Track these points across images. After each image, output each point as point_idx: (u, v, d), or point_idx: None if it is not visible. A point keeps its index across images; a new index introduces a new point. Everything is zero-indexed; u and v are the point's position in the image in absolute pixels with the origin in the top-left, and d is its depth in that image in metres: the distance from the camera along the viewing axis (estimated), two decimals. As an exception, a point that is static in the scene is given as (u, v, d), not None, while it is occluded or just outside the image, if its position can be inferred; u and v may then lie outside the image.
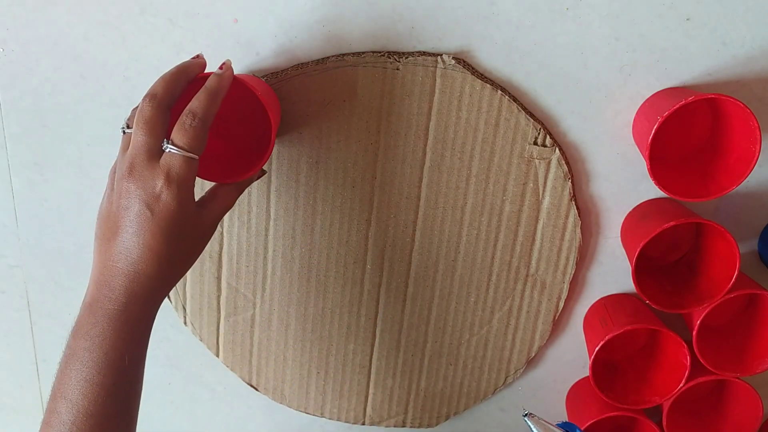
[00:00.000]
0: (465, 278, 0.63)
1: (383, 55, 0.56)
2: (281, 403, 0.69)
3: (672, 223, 0.54)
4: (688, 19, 0.55)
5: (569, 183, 0.60)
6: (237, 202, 0.60)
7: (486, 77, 0.57)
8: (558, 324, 0.66)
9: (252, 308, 0.65)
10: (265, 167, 0.58)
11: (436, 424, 0.70)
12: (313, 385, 0.68)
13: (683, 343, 0.59)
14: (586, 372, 0.60)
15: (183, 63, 0.50)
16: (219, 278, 0.64)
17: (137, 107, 0.47)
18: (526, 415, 0.50)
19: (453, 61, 0.56)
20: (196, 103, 0.47)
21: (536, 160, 0.59)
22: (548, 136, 0.58)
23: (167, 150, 0.46)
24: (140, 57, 0.57)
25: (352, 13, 0.55)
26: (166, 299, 0.65)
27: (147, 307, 0.47)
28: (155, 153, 0.46)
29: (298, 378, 0.68)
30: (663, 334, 0.61)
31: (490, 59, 0.56)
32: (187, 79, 0.49)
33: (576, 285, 0.65)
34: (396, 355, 0.66)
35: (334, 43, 0.56)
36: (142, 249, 0.46)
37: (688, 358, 0.59)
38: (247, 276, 0.64)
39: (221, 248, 0.63)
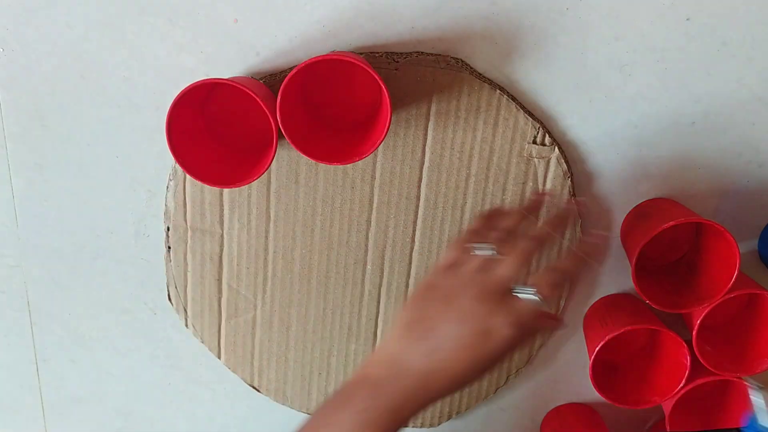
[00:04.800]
0: (465, 278, 0.63)
1: (383, 55, 0.56)
2: (283, 404, 0.69)
3: (672, 223, 0.54)
4: (688, 19, 0.55)
5: (569, 182, 0.60)
6: (236, 204, 0.60)
7: (484, 77, 0.57)
8: (558, 324, 0.66)
9: (253, 310, 0.65)
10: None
11: (438, 424, 0.70)
12: (315, 386, 0.68)
13: (683, 343, 0.59)
14: (586, 372, 0.60)
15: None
16: (220, 280, 0.64)
17: (475, 227, 0.52)
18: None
19: (452, 61, 0.56)
20: (572, 267, 0.49)
21: (535, 159, 0.59)
22: (547, 135, 0.58)
23: (527, 297, 0.46)
24: (140, 57, 0.57)
25: (352, 13, 0.55)
26: (167, 301, 0.65)
27: (412, 413, 0.46)
28: (510, 288, 0.46)
29: (300, 379, 0.68)
30: (663, 334, 0.61)
31: (490, 59, 0.56)
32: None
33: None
34: (396, 355, 0.66)
35: (334, 43, 0.56)
36: (452, 363, 0.45)
37: (688, 358, 0.59)
38: (247, 278, 0.64)
39: (221, 250, 0.63)
